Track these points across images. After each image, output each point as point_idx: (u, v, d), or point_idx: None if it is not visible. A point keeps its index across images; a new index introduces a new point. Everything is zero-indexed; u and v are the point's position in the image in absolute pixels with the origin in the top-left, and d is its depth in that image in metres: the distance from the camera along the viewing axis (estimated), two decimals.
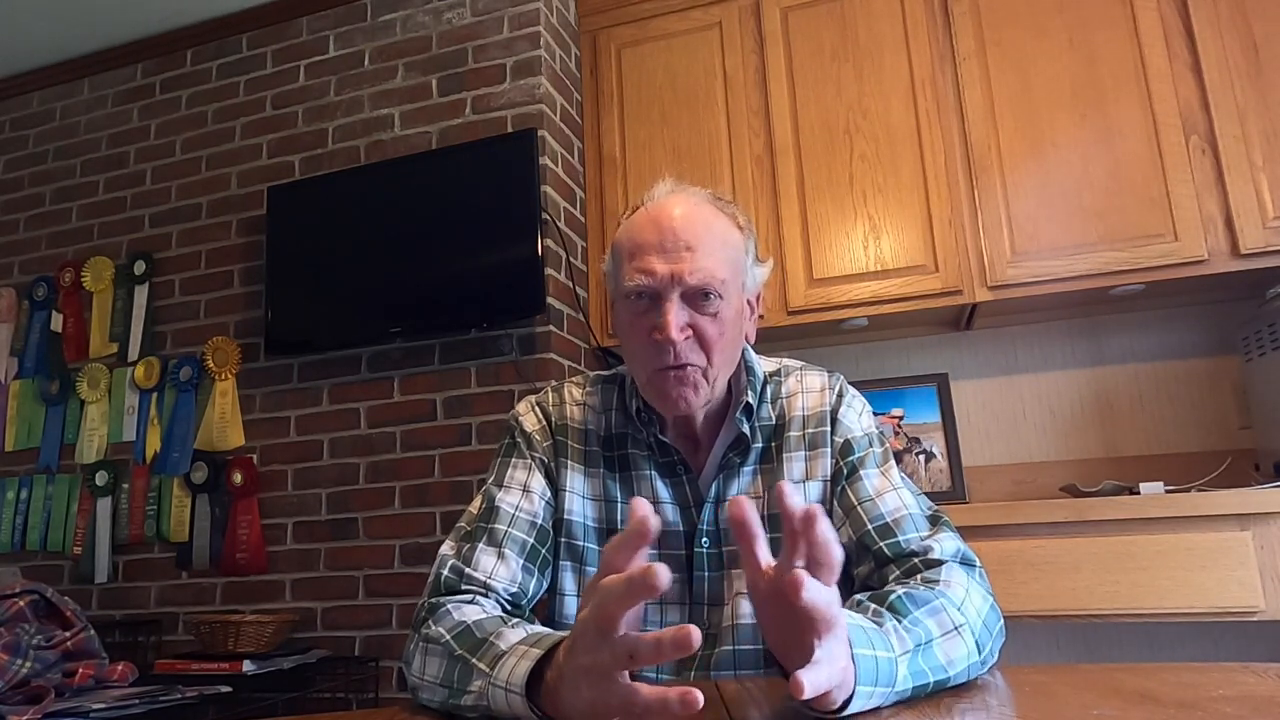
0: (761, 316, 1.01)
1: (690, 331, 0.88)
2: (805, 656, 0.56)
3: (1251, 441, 2.06)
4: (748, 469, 0.95)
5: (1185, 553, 1.65)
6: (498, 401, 2.12)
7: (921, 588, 0.77)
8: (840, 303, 2.14)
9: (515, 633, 0.73)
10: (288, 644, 2.06)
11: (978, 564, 0.85)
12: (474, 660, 0.73)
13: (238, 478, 2.29)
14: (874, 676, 0.63)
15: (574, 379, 1.06)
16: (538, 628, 0.76)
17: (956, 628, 0.74)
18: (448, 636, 0.77)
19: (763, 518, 0.92)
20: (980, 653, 0.75)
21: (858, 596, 0.77)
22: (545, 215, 2.15)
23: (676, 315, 0.87)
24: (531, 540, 0.92)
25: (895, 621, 0.71)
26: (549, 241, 2.15)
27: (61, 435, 2.56)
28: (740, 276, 0.93)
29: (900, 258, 2.11)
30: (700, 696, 0.51)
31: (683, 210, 0.90)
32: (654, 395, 0.92)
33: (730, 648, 0.88)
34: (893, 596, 0.75)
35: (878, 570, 0.85)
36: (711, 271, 0.87)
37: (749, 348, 1.00)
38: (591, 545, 0.95)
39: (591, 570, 0.94)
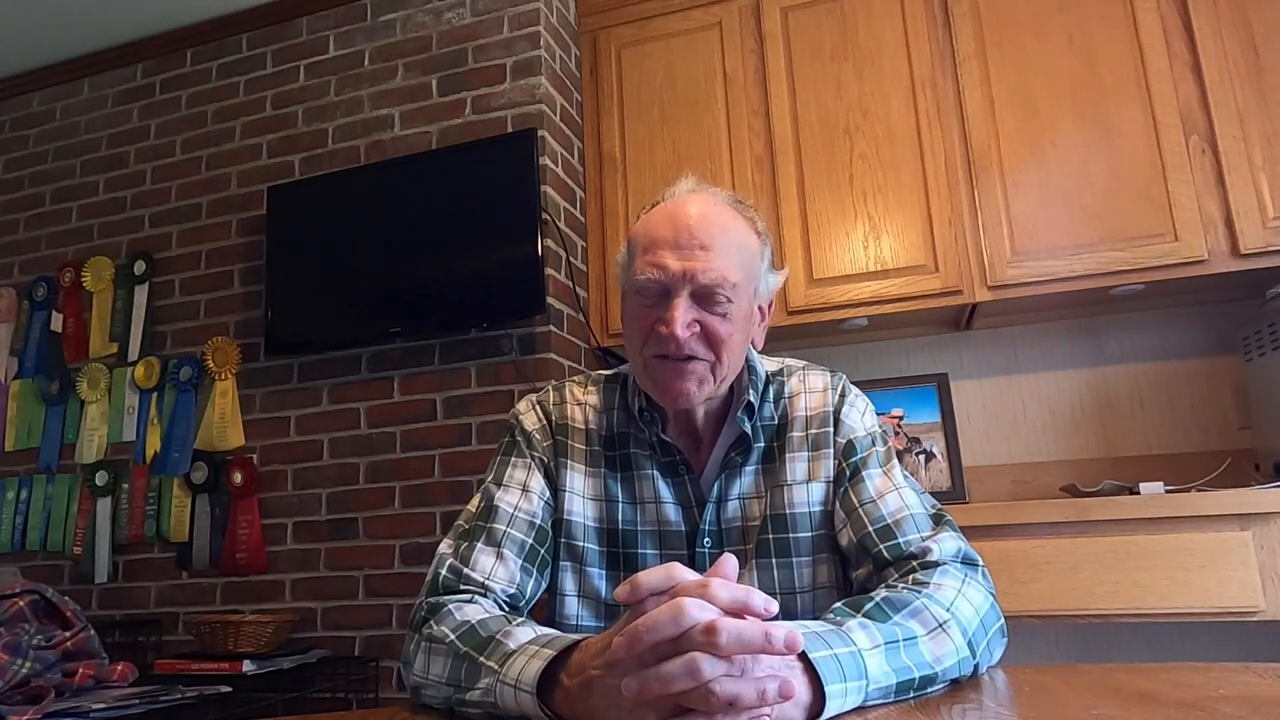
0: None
1: (697, 328, 0.87)
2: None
3: (1251, 441, 2.06)
4: (749, 469, 0.95)
5: (1185, 553, 1.65)
6: (498, 401, 2.12)
7: (904, 591, 0.77)
8: (840, 303, 2.14)
9: (523, 632, 0.73)
10: (288, 644, 2.06)
11: (980, 563, 0.85)
12: (481, 658, 0.73)
13: (238, 478, 2.29)
14: (840, 674, 0.63)
15: (576, 378, 1.05)
16: (545, 629, 0.77)
17: (941, 624, 0.74)
18: (452, 636, 0.77)
19: (764, 518, 0.92)
20: (973, 651, 0.75)
21: (834, 606, 0.76)
22: (545, 215, 2.15)
23: (684, 312, 0.86)
24: (530, 540, 0.91)
25: (863, 620, 0.71)
26: (549, 241, 2.15)
27: (61, 435, 2.55)
28: (753, 281, 0.92)
29: (900, 258, 2.11)
30: None
31: (700, 209, 0.89)
32: (649, 383, 0.92)
33: None
34: (870, 604, 0.74)
35: (876, 572, 0.85)
36: (723, 273, 0.86)
37: (751, 348, 1.00)
38: (591, 545, 0.94)
39: (591, 570, 0.94)
